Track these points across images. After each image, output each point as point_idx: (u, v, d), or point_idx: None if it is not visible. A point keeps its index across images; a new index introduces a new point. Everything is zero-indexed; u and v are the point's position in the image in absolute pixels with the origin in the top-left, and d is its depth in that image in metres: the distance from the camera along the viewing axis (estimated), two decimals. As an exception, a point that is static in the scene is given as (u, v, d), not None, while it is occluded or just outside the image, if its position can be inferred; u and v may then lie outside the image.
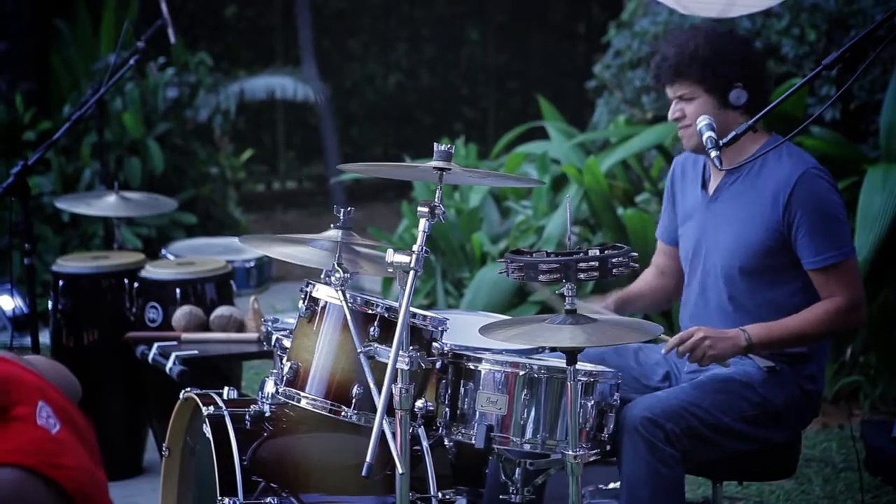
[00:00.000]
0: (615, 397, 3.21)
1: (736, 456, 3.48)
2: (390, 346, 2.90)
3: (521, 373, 3.13)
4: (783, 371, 3.50)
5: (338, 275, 3.13)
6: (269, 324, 3.72)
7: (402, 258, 2.94)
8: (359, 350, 3.04)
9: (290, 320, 3.65)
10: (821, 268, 3.44)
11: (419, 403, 3.11)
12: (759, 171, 3.52)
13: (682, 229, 3.73)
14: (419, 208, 2.97)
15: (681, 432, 3.30)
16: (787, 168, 3.47)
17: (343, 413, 3.15)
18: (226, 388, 3.49)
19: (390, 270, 3.00)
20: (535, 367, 3.13)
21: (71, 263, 5.03)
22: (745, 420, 3.43)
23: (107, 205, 5.11)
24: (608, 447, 3.21)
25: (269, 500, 3.22)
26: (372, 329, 3.12)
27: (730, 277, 3.53)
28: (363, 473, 2.73)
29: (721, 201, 3.58)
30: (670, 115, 3.60)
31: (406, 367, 2.94)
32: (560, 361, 3.12)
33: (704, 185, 3.66)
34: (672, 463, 3.28)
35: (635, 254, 3.05)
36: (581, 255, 3.00)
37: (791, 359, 3.51)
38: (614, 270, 3.00)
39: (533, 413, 3.13)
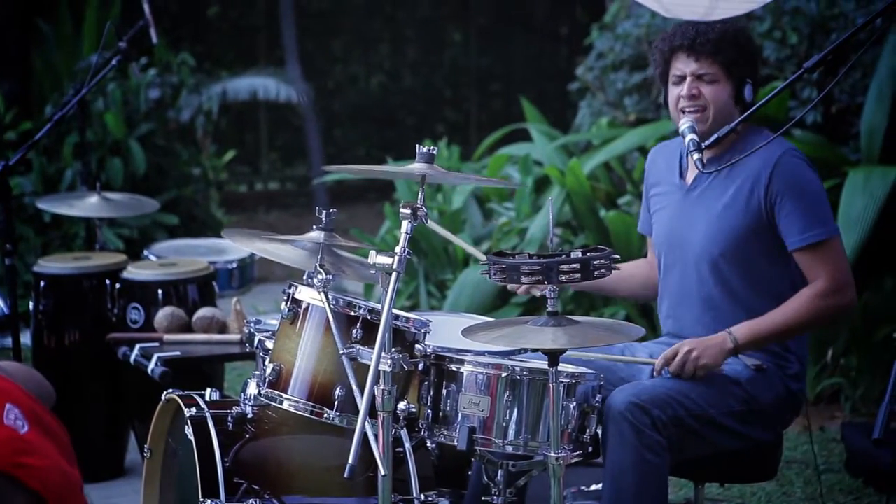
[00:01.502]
0: (597, 399, 3.21)
1: (718, 455, 3.46)
2: (373, 348, 2.90)
3: (504, 374, 3.13)
4: (770, 370, 3.48)
5: (320, 276, 3.13)
6: (252, 325, 3.71)
7: (384, 260, 2.94)
8: (341, 352, 3.04)
9: (273, 322, 3.64)
10: (806, 246, 3.40)
11: (401, 405, 3.10)
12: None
13: (655, 217, 3.70)
14: (401, 210, 2.98)
15: (668, 420, 3.27)
16: (765, 152, 3.43)
17: (325, 415, 3.14)
18: (208, 390, 3.48)
19: (372, 272, 3.00)
20: (518, 368, 3.13)
21: (52, 264, 5.02)
22: (731, 415, 3.41)
23: (88, 205, 5.08)
24: (590, 449, 3.20)
25: (251, 501, 3.21)
26: (354, 331, 3.11)
27: (713, 266, 3.50)
28: (345, 475, 2.73)
29: (700, 191, 3.56)
30: (685, 91, 3.49)
31: (388, 369, 2.93)
32: (542, 363, 3.12)
33: (682, 175, 3.64)
34: (659, 450, 3.25)
35: (617, 256, 3.05)
36: (563, 257, 3.00)
37: (777, 357, 3.50)
38: (596, 272, 3.00)
39: (515, 415, 3.13)
